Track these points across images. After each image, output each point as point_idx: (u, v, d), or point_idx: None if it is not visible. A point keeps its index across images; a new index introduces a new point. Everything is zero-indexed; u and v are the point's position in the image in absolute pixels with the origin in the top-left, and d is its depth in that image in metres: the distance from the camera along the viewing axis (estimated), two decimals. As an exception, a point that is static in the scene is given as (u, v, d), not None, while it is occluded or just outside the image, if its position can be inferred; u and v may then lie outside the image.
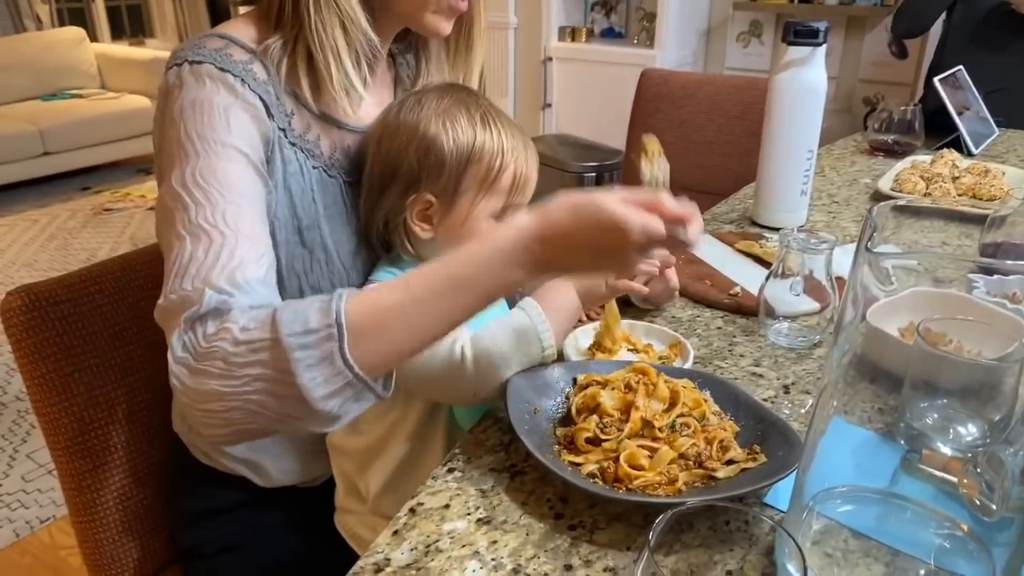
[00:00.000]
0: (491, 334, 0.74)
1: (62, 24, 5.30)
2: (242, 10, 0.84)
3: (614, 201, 0.59)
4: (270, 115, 0.75)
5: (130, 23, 6.01)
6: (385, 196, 0.82)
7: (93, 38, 5.35)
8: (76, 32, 4.98)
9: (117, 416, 0.95)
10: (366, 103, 0.84)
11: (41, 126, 4.26)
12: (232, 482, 0.91)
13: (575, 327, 0.91)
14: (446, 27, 0.83)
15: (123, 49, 5.27)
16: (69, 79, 4.85)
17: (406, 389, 0.77)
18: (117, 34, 5.90)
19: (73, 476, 0.92)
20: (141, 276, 0.97)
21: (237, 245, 0.66)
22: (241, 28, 0.78)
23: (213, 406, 0.60)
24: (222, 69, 0.73)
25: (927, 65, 2.66)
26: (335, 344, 0.58)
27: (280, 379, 0.58)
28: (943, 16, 2.43)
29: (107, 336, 0.93)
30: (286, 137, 0.78)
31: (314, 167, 0.81)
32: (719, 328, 0.96)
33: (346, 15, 0.76)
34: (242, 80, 0.73)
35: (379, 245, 0.86)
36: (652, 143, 0.77)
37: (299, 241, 0.80)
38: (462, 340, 0.74)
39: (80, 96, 4.75)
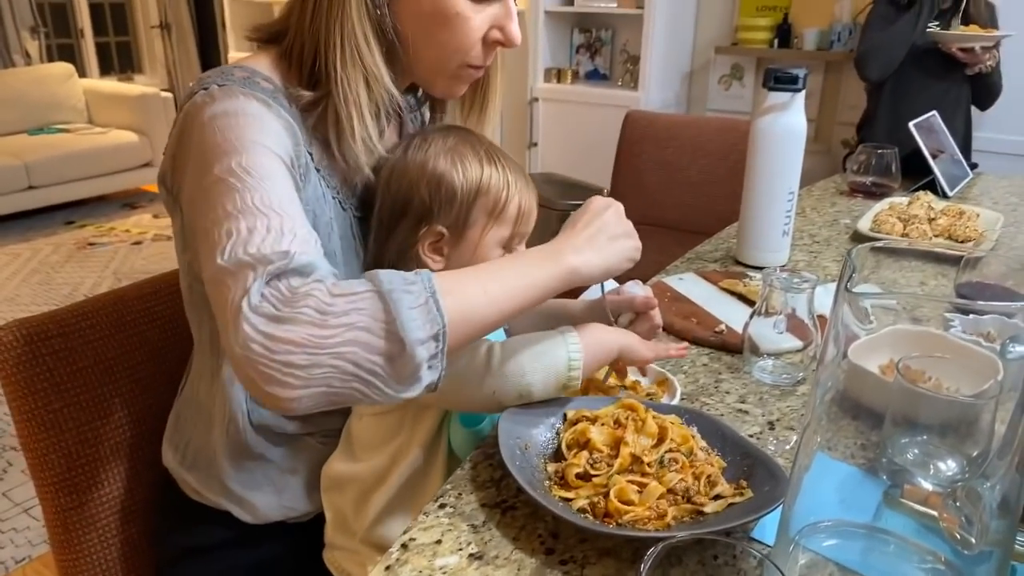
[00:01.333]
0: (523, 339, 0.77)
1: (51, 60, 5.33)
2: (243, 44, 0.86)
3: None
4: (296, 136, 0.77)
5: (119, 59, 6.06)
6: (396, 231, 0.84)
7: (82, 74, 5.39)
8: (65, 68, 5.02)
9: (105, 453, 0.94)
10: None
11: (26, 160, 4.27)
12: (220, 519, 0.90)
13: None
14: (460, 91, 0.87)
15: (111, 85, 5.30)
16: (56, 114, 4.87)
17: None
18: (106, 70, 5.94)
19: (58, 513, 0.92)
20: (133, 312, 0.97)
21: (296, 226, 0.65)
22: (264, 66, 0.80)
23: (296, 358, 0.57)
24: (247, 94, 0.74)
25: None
26: (430, 293, 0.62)
27: (378, 326, 0.59)
28: None
29: (97, 372, 0.93)
30: (312, 161, 0.80)
31: (333, 197, 0.83)
32: (705, 365, 0.98)
33: (371, 72, 0.78)
34: (268, 104, 0.74)
35: None
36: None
37: None
38: (494, 337, 0.77)
39: (67, 131, 4.77)
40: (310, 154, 0.79)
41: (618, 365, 0.89)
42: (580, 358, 0.76)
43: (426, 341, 0.61)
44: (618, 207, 0.83)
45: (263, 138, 0.71)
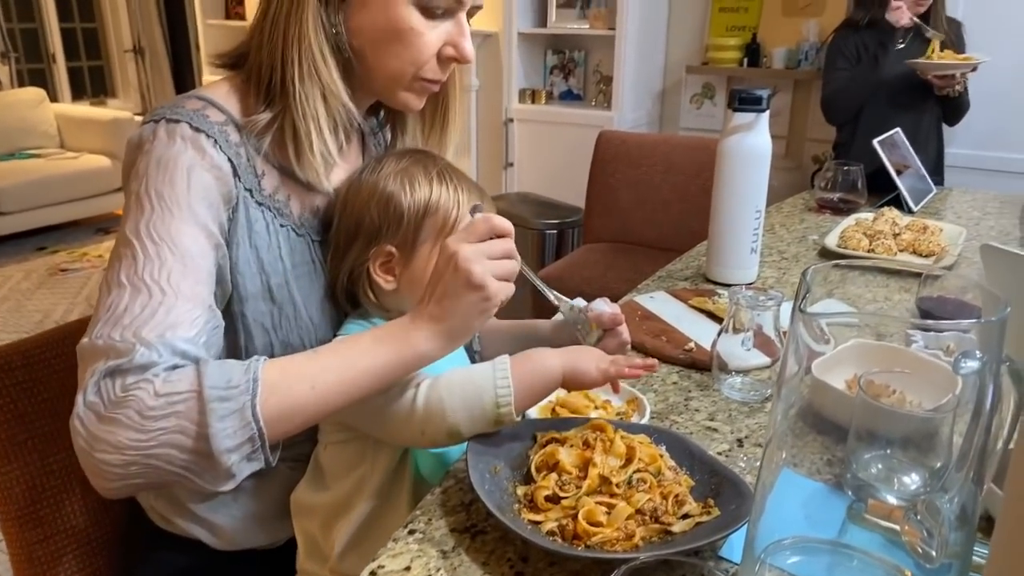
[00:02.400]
0: (448, 378, 0.75)
1: (22, 85, 5.28)
2: (212, 70, 0.87)
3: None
4: (237, 176, 0.78)
5: (92, 83, 6.01)
6: (350, 251, 0.85)
7: (54, 98, 5.33)
8: (36, 92, 4.97)
9: (71, 484, 0.93)
10: (336, 170, 0.88)
11: (-3, 186, 4.20)
12: (188, 546, 0.89)
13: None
14: (417, 104, 0.88)
15: (83, 109, 5.26)
16: (28, 139, 4.81)
17: (358, 425, 0.79)
18: (78, 94, 5.90)
19: (24, 547, 0.90)
20: (99, 340, 0.96)
21: (175, 305, 0.69)
22: (222, 93, 0.82)
23: (111, 457, 0.63)
24: (196, 129, 0.76)
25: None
26: (248, 398, 0.64)
27: (192, 430, 0.63)
28: None
29: (63, 403, 0.92)
30: (252, 197, 0.80)
31: (282, 225, 0.83)
32: (675, 383, 0.99)
33: (327, 87, 0.80)
34: (215, 141, 0.76)
35: (344, 300, 0.88)
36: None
37: (269, 297, 0.81)
38: (418, 378, 0.75)
39: (38, 156, 4.71)
40: (249, 191, 0.80)
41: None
42: (509, 393, 0.73)
43: (237, 448, 0.64)
44: (459, 255, 0.70)
45: (185, 196, 0.73)
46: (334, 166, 0.85)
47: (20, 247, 4.37)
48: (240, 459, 0.65)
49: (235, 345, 0.81)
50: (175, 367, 0.66)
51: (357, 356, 0.70)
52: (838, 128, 2.72)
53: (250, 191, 0.80)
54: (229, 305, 0.80)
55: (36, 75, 5.59)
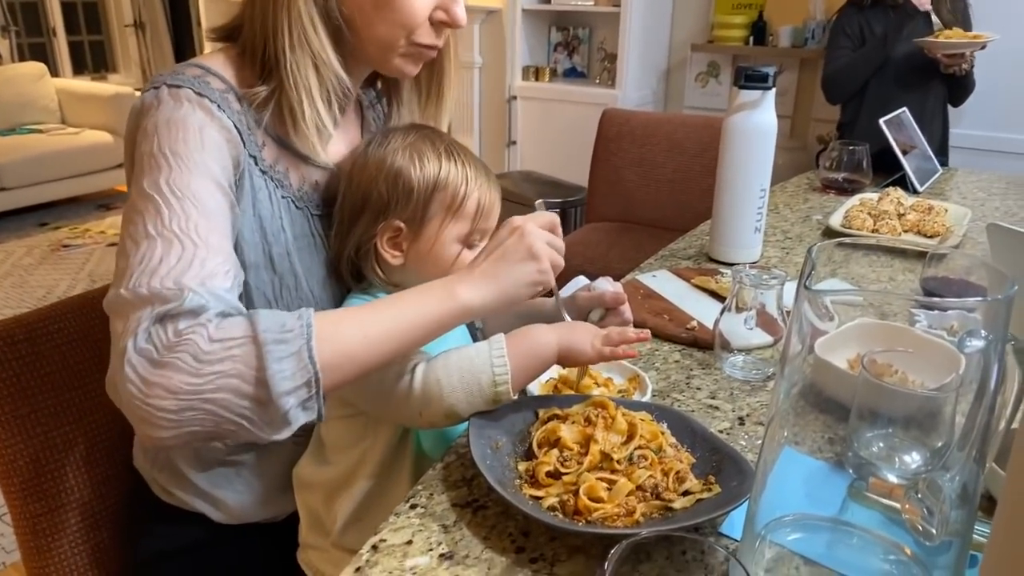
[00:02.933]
0: (446, 359, 0.75)
1: (22, 59, 5.25)
2: (212, 45, 0.86)
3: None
4: (243, 141, 0.78)
5: (93, 58, 5.98)
6: (356, 225, 0.84)
7: (55, 73, 5.30)
8: (36, 67, 4.93)
9: (74, 458, 0.93)
10: (334, 143, 0.88)
11: (-2, 161, 4.19)
12: (193, 520, 0.90)
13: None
14: (412, 70, 0.86)
15: (84, 84, 5.23)
16: (28, 114, 4.79)
17: (358, 403, 0.79)
18: (79, 69, 5.86)
19: (28, 520, 0.91)
20: (102, 315, 0.94)
21: (208, 256, 0.67)
22: (219, 63, 0.81)
23: (166, 403, 0.60)
24: (200, 94, 0.75)
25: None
26: (304, 340, 0.63)
27: (249, 374, 0.61)
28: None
29: (66, 376, 0.92)
30: (256, 164, 0.80)
31: (283, 197, 0.83)
32: (677, 362, 0.99)
33: (318, 56, 0.79)
34: (218, 105, 0.76)
35: (349, 274, 0.88)
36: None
37: (270, 266, 0.81)
38: (416, 359, 0.75)
39: (39, 131, 4.69)
40: (253, 158, 0.79)
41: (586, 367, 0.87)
42: (506, 372, 0.74)
43: (294, 391, 0.63)
44: (526, 228, 0.75)
45: (200, 154, 0.72)
46: (330, 138, 0.84)
47: (22, 223, 4.36)
48: (297, 404, 0.63)
49: None
50: (225, 314, 0.64)
51: (405, 306, 0.71)
52: (843, 108, 2.70)
53: (254, 158, 0.80)
54: None
55: (36, 49, 5.55)
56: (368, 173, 0.83)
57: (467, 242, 0.86)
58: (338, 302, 0.88)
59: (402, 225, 0.83)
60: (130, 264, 0.65)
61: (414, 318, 0.70)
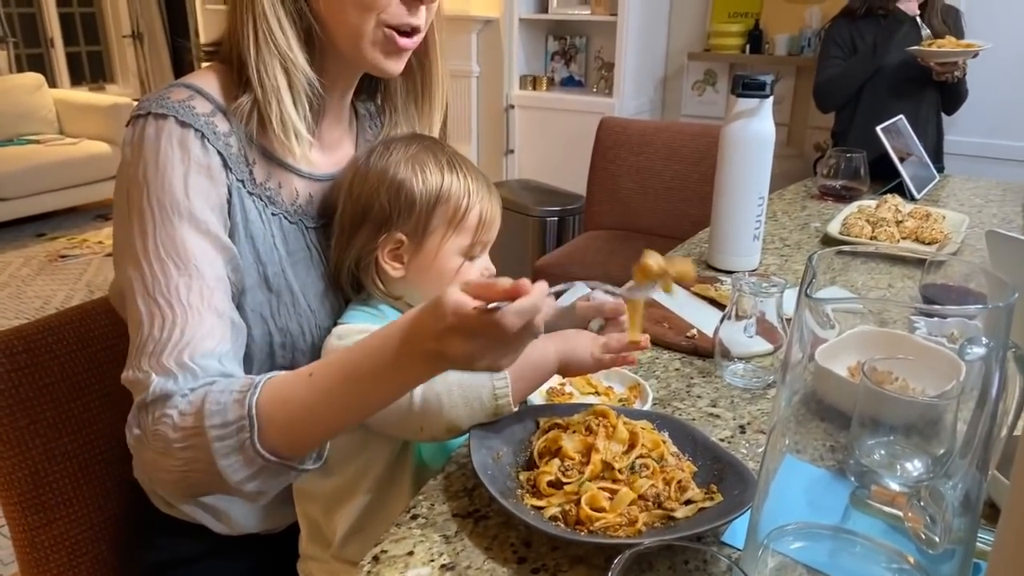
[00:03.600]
0: (445, 374, 0.74)
1: (20, 70, 5.25)
2: (206, 64, 0.85)
3: (450, 288, 0.61)
4: (228, 168, 0.77)
5: (90, 69, 5.98)
6: (356, 237, 0.84)
7: (53, 84, 5.30)
8: (34, 78, 4.94)
9: (73, 470, 0.93)
10: (324, 155, 0.87)
11: (-4, 172, 4.19)
12: (192, 531, 0.89)
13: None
14: (393, 64, 0.83)
15: (82, 95, 5.23)
16: (26, 125, 4.79)
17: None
18: (77, 80, 5.86)
19: (26, 532, 0.90)
20: (100, 327, 0.96)
21: (187, 322, 0.70)
22: (207, 80, 0.80)
23: (165, 477, 0.69)
24: (183, 124, 0.74)
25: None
26: (247, 435, 0.65)
27: (207, 462, 0.66)
28: None
29: (64, 388, 0.92)
30: (245, 187, 0.79)
31: (274, 214, 0.82)
32: (677, 370, 0.99)
33: (285, 56, 0.77)
34: (202, 135, 0.75)
35: (350, 287, 0.87)
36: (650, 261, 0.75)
37: (266, 286, 0.81)
38: None
39: (37, 142, 4.69)
40: (241, 182, 0.79)
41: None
42: (506, 385, 0.74)
43: (250, 478, 0.67)
44: (467, 321, 0.60)
45: (184, 202, 0.73)
46: (310, 144, 0.81)
47: (19, 233, 4.35)
48: (263, 481, 0.68)
49: None
50: (193, 390, 0.68)
51: (358, 389, 0.66)
52: (837, 116, 2.71)
53: (242, 182, 0.79)
54: None
55: (34, 60, 5.56)
56: (369, 184, 0.83)
57: (468, 254, 0.85)
58: (337, 313, 0.87)
59: (404, 238, 0.83)
60: (132, 339, 0.72)
61: (372, 391, 0.66)
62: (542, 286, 0.61)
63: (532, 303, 0.60)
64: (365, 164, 0.85)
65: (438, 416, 0.73)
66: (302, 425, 0.66)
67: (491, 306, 0.58)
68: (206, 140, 0.75)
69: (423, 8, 0.80)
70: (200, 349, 0.70)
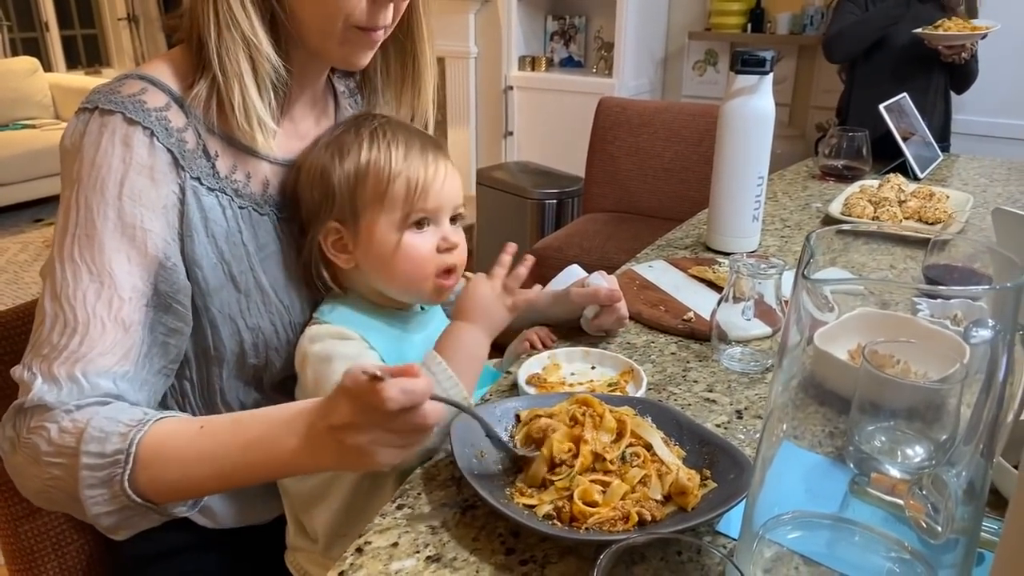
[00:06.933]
0: None
1: (15, 54, 5.20)
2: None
3: (349, 374, 0.57)
4: (180, 167, 0.74)
5: (86, 53, 5.93)
6: (308, 234, 0.82)
7: (47, 68, 5.26)
8: (29, 62, 4.90)
9: (56, 458, 0.91)
10: (297, 141, 0.84)
11: (-9, 157, 4.16)
12: (178, 524, 0.86)
13: (528, 355, 0.90)
14: (361, 59, 0.80)
15: (78, 79, 5.19)
16: (22, 110, 4.76)
17: None
18: (72, 63, 5.81)
19: (9, 522, 0.88)
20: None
21: (87, 333, 0.67)
22: (164, 68, 0.76)
23: (29, 483, 0.67)
24: (131, 121, 0.71)
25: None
26: (119, 471, 0.63)
27: (71, 486, 0.63)
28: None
29: (46, 375, 0.90)
30: (203, 184, 0.76)
31: (241, 207, 0.79)
32: (673, 354, 0.96)
33: (248, 40, 0.74)
34: (151, 132, 0.72)
35: (322, 288, 0.84)
36: None
37: (233, 286, 0.78)
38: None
39: (33, 126, 4.66)
40: (197, 179, 0.75)
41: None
42: (460, 388, 0.73)
43: (110, 514, 0.65)
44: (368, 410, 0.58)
45: (116, 204, 0.70)
46: (273, 132, 0.78)
47: (16, 219, 4.34)
48: (126, 519, 0.66)
49: (202, 338, 0.78)
50: (79, 407, 0.65)
51: (244, 457, 0.64)
52: (841, 93, 2.67)
53: (198, 179, 0.75)
54: (192, 300, 0.76)
55: (29, 44, 5.51)
56: (302, 179, 0.81)
57: (406, 227, 0.81)
58: (313, 306, 0.84)
59: (338, 226, 0.80)
60: (32, 333, 0.69)
61: (256, 465, 0.65)
62: (427, 382, 0.57)
63: (413, 384, 0.56)
64: (305, 160, 0.82)
65: None
66: (176, 477, 0.65)
67: (377, 374, 0.55)
68: (155, 138, 0.72)
69: (391, 6, 0.77)
70: (95, 365, 0.67)
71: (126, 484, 0.62)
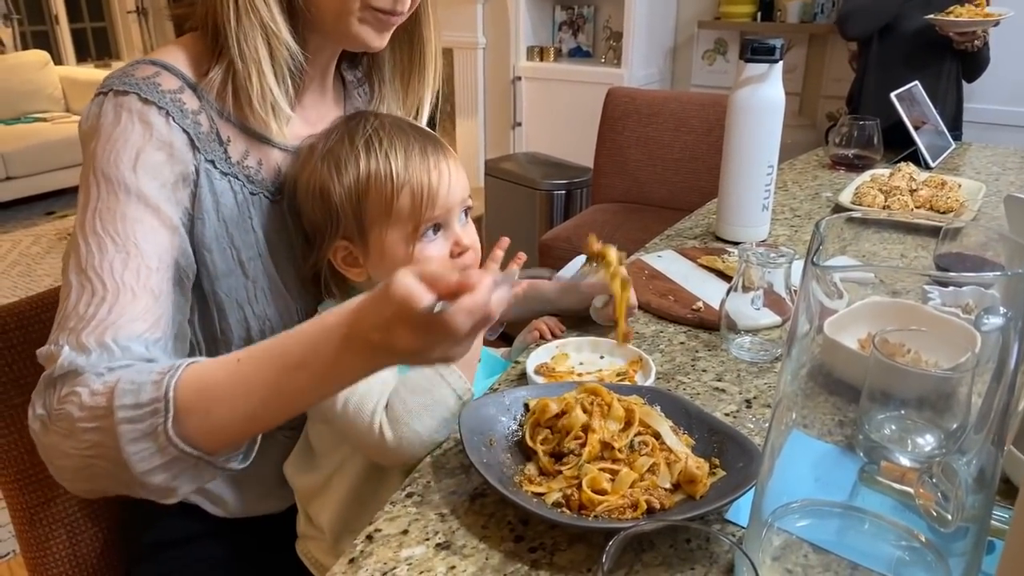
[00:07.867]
0: (400, 399, 0.73)
1: (25, 47, 5.23)
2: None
3: (401, 273, 0.55)
4: (196, 148, 0.74)
5: (96, 46, 5.95)
6: (313, 248, 0.81)
7: (58, 61, 5.29)
8: (40, 55, 4.92)
9: (70, 447, 0.92)
10: (308, 128, 0.84)
11: (3, 150, 4.20)
12: (190, 512, 0.88)
13: (537, 345, 0.91)
14: (377, 39, 0.80)
15: (88, 72, 5.21)
16: (33, 103, 4.79)
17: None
18: (82, 57, 5.84)
19: (24, 510, 0.89)
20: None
21: (117, 300, 0.65)
22: (177, 54, 0.76)
23: (65, 463, 0.63)
24: (146, 101, 0.71)
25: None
26: (160, 420, 0.59)
27: (113, 448, 0.59)
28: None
29: (59, 365, 0.91)
30: (216, 168, 0.76)
31: (253, 193, 0.79)
32: (682, 343, 0.96)
33: (267, 26, 0.73)
34: (167, 113, 0.72)
35: (326, 289, 0.84)
36: (611, 253, 0.74)
37: (241, 272, 0.78)
38: (379, 415, 0.72)
39: (44, 120, 4.69)
40: (211, 162, 0.75)
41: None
42: (466, 384, 0.75)
43: (157, 470, 0.60)
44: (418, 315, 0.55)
45: (131, 178, 0.69)
46: (289, 119, 0.78)
47: (29, 212, 4.37)
48: (175, 476, 0.61)
49: (209, 322, 0.78)
50: (110, 370, 0.62)
51: (289, 380, 0.60)
52: (853, 81, 2.65)
53: (212, 162, 0.75)
54: (199, 282, 0.76)
55: (39, 37, 5.53)
56: (300, 196, 0.79)
57: (416, 239, 0.79)
58: (317, 300, 0.84)
59: (347, 243, 0.79)
60: (57, 312, 0.67)
61: (306, 383, 0.60)
62: (487, 280, 0.56)
63: (475, 302, 0.55)
64: (298, 173, 0.80)
65: (422, 446, 0.73)
66: (223, 416, 0.60)
67: (437, 308, 0.54)
68: (171, 118, 0.72)
69: None
70: (126, 331, 0.64)
71: (171, 432, 0.58)
